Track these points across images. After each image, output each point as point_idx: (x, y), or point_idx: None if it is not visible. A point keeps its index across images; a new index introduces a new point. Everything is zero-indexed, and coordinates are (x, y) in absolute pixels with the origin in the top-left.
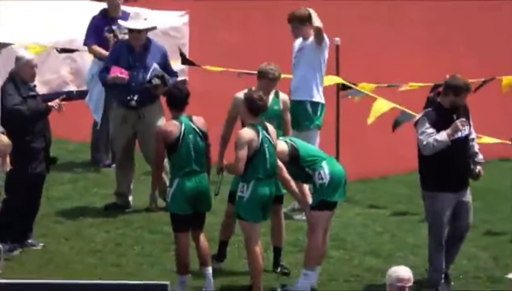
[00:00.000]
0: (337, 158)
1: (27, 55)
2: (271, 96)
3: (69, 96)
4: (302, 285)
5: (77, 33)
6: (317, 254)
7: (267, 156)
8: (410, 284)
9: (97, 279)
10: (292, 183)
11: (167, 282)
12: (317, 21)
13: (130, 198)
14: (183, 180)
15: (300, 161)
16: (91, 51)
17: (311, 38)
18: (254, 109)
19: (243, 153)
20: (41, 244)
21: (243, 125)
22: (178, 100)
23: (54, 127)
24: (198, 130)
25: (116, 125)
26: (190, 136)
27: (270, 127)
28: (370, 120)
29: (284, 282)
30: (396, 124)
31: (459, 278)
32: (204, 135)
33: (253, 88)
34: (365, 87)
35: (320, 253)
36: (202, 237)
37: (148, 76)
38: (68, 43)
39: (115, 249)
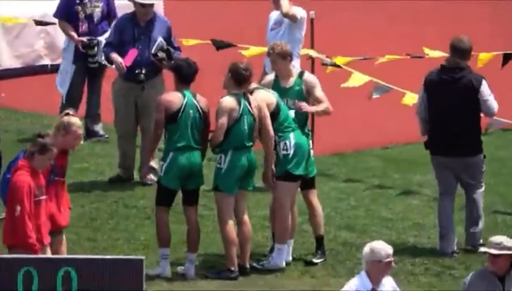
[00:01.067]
0: (312, 131)
1: None
2: (295, 77)
3: (44, 70)
4: (276, 260)
5: (51, 7)
6: (287, 228)
7: (245, 127)
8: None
9: (73, 254)
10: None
11: (143, 257)
12: (284, 7)
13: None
14: (176, 154)
15: (276, 122)
16: (59, 25)
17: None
18: (239, 79)
19: (224, 121)
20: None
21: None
22: (186, 74)
23: (28, 102)
24: (199, 107)
25: (120, 99)
26: (191, 111)
27: (252, 99)
28: (344, 85)
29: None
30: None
31: (435, 251)
32: (204, 115)
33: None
34: (340, 60)
35: (289, 227)
36: (194, 218)
37: (153, 50)
38: (42, 17)
39: (90, 224)
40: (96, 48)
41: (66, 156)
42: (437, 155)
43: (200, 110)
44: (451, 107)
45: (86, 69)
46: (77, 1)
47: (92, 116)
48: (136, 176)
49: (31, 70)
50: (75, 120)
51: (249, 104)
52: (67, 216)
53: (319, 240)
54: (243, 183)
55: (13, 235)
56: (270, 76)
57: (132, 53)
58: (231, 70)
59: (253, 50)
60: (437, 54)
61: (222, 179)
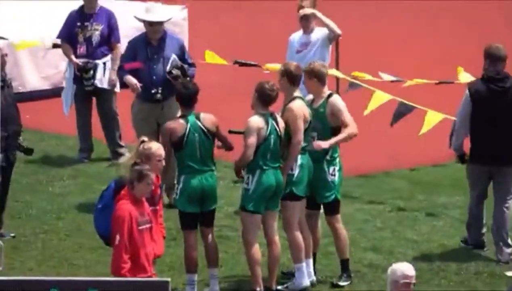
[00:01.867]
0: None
1: None
2: (322, 99)
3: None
4: (299, 280)
5: None
6: (299, 246)
7: (272, 146)
8: (414, 281)
9: (98, 276)
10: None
11: (168, 279)
12: (336, 28)
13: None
14: (188, 177)
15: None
16: (61, 46)
17: (317, 34)
18: (265, 99)
19: (253, 140)
20: (12, 234)
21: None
22: (186, 98)
23: (53, 123)
24: (205, 129)
25: (140, 120)
26: (196, 135)
27: (280, 119)
28: (366, 111)
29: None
30: (397, 117)
31: (460, 274)
32: (211, 134)
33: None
34: (360, 75)
35: (302, 245)
36: (210, 237)
37: (167, 68)
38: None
39: None
40: (92, 72)
41: (157, 184)
42: (478, 164)
43: (206, 131)
44: (501, 117)
45: (88, 93)
46: (78, 24)
47: (110, 139)
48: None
49: (58, 92)
50: (152, 145)
51: (277, 124)
52: (162, 245)
53: (344, 263)
54: (270, 203)
55: (112, 266)
56: (310, 96)
57: (136, 64)
58: (257, 90)
59: (276, 67)
60: (468, 79)
61: (250, 199)
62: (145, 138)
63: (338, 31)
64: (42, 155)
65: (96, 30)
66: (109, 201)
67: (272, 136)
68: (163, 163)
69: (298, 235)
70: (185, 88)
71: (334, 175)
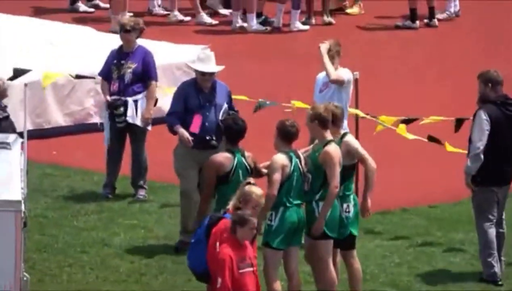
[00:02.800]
0: (356, 189)
1: None
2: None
3: (94, 128)
4: None
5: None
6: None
7: (295, 183)
8: None
9: None
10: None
11: None
12: (332, 74)
13: None
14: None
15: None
16: (100, 82)
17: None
18: (287, 137)
19: (277, 176)
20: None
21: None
22: (235, 134)
23: (79, 159)
24: (248, 166)
25: (187, 166)
26: (240, 171)
27: (302, 157)
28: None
29: None
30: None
31: None
32: (251, 171)
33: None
34: (386, 120)
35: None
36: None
37: (220, 116)
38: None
39: (140, 279)
40: (122, 108)
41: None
42: (492, 186)
43: (249, 168)
44: (509, 139)
45: (121, 129)
46: (115, 61)
47: (134, 180)
48: (163, 233)
49: (82, 128)
50: (255, 189)
51: (300, 161)
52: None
53: None
54: (292, 240)
55: None
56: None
57: (198, 120)
58: (278, 128)
59: (300, 104)
60: None
61: (273, 236)
62: (252, 180)
63: (331, 76)
64: (68, 190)
65: (129, 68)
66: (202, 237)
67: (295, 173)
68: (258, 210)
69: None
70: (235, 124)
71: (348, 211)
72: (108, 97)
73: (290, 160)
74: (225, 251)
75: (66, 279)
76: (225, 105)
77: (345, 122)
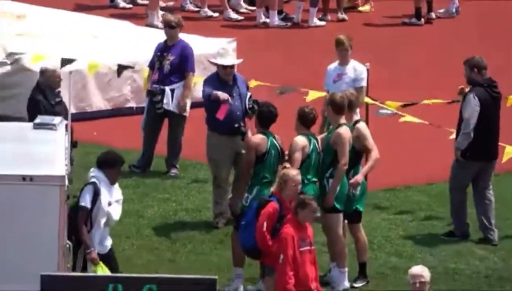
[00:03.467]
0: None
1: (51, 66)
2: (351, 124)
3: (130, 112)
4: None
5: (139, 57)
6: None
7: (312, 162)
8: (423, 280)
9: (154, 273)
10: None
11: (215, 277)
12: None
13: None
14: (262, 188)
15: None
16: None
17: (351, 67)
18: (306, 121)
19: (298, 156)
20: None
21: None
22: (268, 119)
23: (116, 139)
24: (278, 146)
25: (219, 151)
26: (273, 151)
27: (319, 139)
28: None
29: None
30: None
31: (472, 277)
32: (282, 152)
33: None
34: (391, 105)
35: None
36: None
37: (247, 104)
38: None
39: (170, 247)
40: (159, 96)
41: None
42: (473, 160)
43: (280, 149)
44: (495, 118)
45: (159, 114)
46: (158, 54)
47: (169, 159)
48: (192, 206)
49: (119, 112)
50: (291, 170)
51: (317, 143)
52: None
53: (362, 266)
54: None
55: (277, 283)
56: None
57: (224, 108)
58: (298, 113)
59: (313, 95)
60: None
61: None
62: (287, 165)
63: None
64: None
65: (168, 60)
66: (251, 218)
67: (314, 154)
68: (298, 188)
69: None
70: (269, 111)
71: (356, 190)
72: (149, 86)
73: (309, 141)
74: (287, 231)
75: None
76: (248, 94)
77: (358, 110)
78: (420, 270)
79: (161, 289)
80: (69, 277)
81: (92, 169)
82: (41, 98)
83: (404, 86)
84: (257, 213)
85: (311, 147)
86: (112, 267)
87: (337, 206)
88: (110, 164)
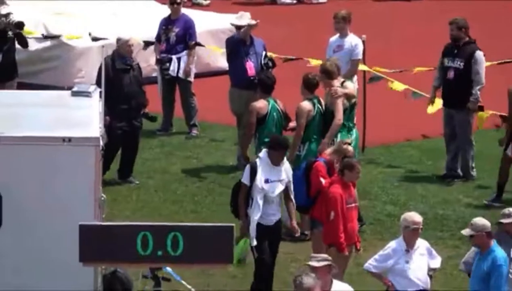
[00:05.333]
0: (364, 128)
1: (125, 36)
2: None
3: (155, 80)
4: None
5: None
6: None
7: (317, 122)
8: (421, 226)
9: (178, 222)
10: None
11: (233, 224)
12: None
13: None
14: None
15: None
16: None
17: (349, 39)
18: (310, 86)
19: (303, 122)
20: (136, 182)
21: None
22: (267, 86)
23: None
24: (280, 110)
25: (239, 104)
26: (274, 114)
27: (322, 102)
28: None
29: None
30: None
31: (458, 221)
32: (284, 114)
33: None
34: (380, 71)
35: None
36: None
37: (262, 61)
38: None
39: (193, 199)
40: (168, 64)
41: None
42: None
43: (281, 112)
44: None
45: (169, 80)
46: (163, 27)
47: (187, 119)
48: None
49: (146, 80)
50: (350, 148)
51: (321, 105)
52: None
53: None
54: None
55: (327, 236)
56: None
57: (251, 65)
58: (303, 80)
59: (315, 62)
60: None
61: (301, 162)
62: (348, 140)
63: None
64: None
65: (173, 32)
66: (301, 177)
67: (317, 115)
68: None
69: None
70: (267, 78)
71: (350, 143)
72: (157, 55)
73: (313, 105)
74: (336, 190)
75: (135, 199)
76: (263, 53)
77: (355, 77)
78: (420, 218)
79: (184, 236)
80: (104, 226)
81: (263, 150)
82: (109, 63)
83: (396, 56)
84: (307, 172)
85: (316, 109)
86: (275, 238)
87: None
88: (272, 147)
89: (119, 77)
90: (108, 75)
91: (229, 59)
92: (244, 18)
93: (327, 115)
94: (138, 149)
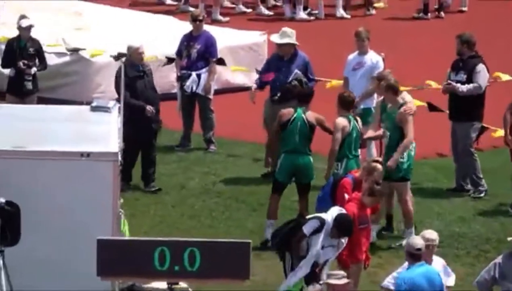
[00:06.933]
0: (380, 144)
1: (135, 44)
2: (396, 106)
3: (175, 96)
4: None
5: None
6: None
7: (354, 140)
8: (433, 243)
9: (196, 237)
10: None
11: (250, 241)
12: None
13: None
14: (286, 155)
15: None
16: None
17: (369, 56)
18: (345, 104)
19: (339, 136)
20: (157, 188)
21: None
22: (301, 95)
23: (163, 120)
24: (306, 120)
25: (268, 114)
26: (299, 123)
27: (358, 119)
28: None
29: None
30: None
31: (474, 239)
32: (310, 126)
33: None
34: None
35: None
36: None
37: (289, 79)
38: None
39: (210, 214)
40: (187, 80)
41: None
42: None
43: (307, 123)
44: None
45: (189, 96)
46: (185, 44)
47: (204, 135)
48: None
49: (166, 96)
50: (378, 166)
51: (357, 122)
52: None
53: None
54: None
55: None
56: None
57: (270, 75)
58: (339, 97)
59: (334, 82)
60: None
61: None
62: (379, 159)
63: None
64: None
65: (195, 49)
66: (328, 191)
67: (354, 132)
68: (378, 178)
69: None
70: (303, 89)
71: (403, 158)
72: (178, 72)
73: (349, 121)
74: (350, 209)
75: (153, 213)
76: (296, 71)
77: (375, 96)
78: (431, 234)
79: (201, 252)
80: (122, 240)
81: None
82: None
83: (414, 70)
84: (334, 187)
85: (351, 125)
86: None
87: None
88: (339, 230)
89: (134, 84)
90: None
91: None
92: (285, 37)
93: (394, 132)
94: (156, 152)
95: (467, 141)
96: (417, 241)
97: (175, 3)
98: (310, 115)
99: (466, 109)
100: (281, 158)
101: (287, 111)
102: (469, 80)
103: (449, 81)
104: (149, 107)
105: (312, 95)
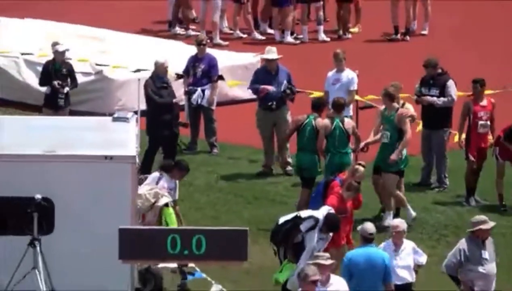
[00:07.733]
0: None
1: (161, 60)
2: (393, 110)
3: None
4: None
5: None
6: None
7: (336, 138)
8: (400, 229)
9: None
10: None
11: (247, 228)
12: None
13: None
14: (298, 153)
15: None
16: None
17: (345, 74)
18: (336, 107)
19: (321, 137)
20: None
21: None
22: (313, 104)
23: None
24: (314, 125)
25: (261, 122)
26: (308, 128)
27: (346, 120)
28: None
29: None
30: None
31: (435, 226)
32: (317, 131)
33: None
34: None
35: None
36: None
37: (282, 89)
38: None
39: (213, 207)
40: (193, 95)
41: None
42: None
43: (315, 127)
44: None
45: (195, 108)
46: (191, 64)
47: (208, 140)
48: (228, 173)
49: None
50: (360, 169)
51: (343, 124)
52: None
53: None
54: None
55: None
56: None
57: (266, 87)
58: (332, 103)
59: (316, 94)
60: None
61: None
62: (362, 163)
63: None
64: None
65: (200, 68)
66: (318, 192)
67: (337, 130)
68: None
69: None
70: (317, 100)
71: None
72: (185, 88)
73: (332, 122)
74: (330, 202)
75: None
76: (285, 82)
77: (351, 107)
78: (399, 222)
79: (207, 238)
80: (139, 229)
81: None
82: (150, 82)
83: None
84: (325, 188)
85: (334, 125)
86: None
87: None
88: (328, 228)
89: (159, 92)
90: (152, 91)
91: (253, 89)
92: (272, 54)
93: (394, 132)
94: (176, 150)
95: (442, 146)
96: (370, 226)
97: (183, 32)
98: (318, 122)
99: (440, 119)
100: (296, 154)
101: (301, 117)
102: (442, 94)
103: (427, 97)
104: (175, 101)
105: (322, 105)
